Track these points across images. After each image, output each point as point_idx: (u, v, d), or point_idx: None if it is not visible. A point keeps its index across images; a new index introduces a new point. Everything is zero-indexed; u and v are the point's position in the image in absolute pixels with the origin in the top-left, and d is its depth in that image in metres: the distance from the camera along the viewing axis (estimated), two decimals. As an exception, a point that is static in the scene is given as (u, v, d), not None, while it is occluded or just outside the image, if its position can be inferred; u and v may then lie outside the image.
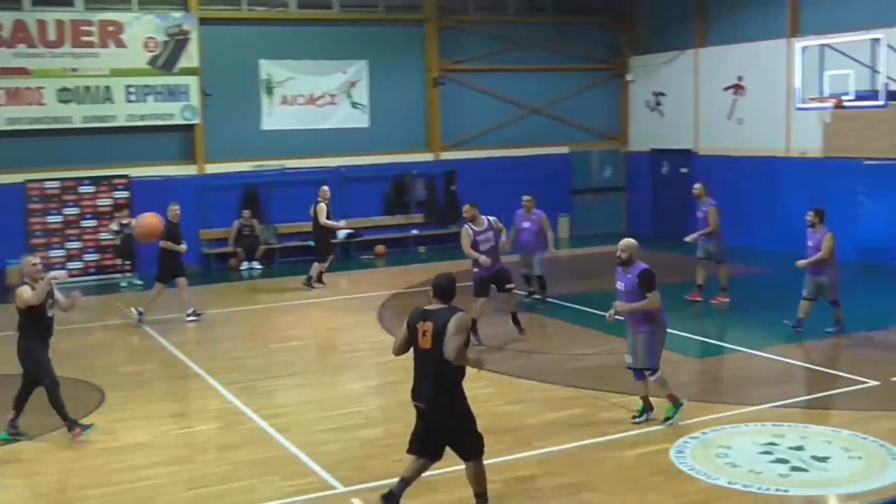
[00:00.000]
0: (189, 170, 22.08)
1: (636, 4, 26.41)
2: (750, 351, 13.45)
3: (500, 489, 8.65)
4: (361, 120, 23.85)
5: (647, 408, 10.38)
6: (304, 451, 9.79)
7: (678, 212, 24.14)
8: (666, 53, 25.17)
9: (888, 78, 16.71)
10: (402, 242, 23.91)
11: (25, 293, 10.09)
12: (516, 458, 9.47)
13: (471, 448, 7.95)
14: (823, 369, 12.69)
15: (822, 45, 17.42)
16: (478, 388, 12.10)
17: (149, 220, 15.92)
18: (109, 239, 20.79)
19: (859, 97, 16.81)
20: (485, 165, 24.66)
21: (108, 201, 21.08)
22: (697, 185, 17.11)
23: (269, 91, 22.90)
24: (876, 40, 16.74)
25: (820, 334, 14.16)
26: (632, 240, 10.16)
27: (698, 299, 16.58)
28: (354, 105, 23.74)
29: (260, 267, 21.92)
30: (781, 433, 9.91)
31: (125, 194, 21.15)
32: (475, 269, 14.01)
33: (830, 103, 17.30)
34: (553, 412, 10.92)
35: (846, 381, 11.96)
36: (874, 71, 16.70)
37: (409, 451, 8.10)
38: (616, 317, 10.20)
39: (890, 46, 17.01)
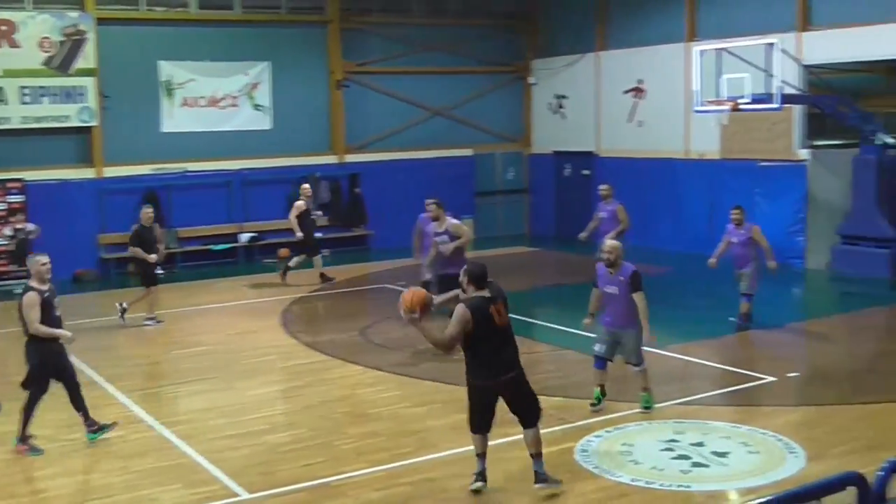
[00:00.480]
0: (87, 173, 21.59)
1: (538, 8, 26.67)
2: (651, 350, 13.63)
3: (408, 491, 8.66)
4: (264, 122, 23.63)
5: (603, 395, 10.86)
6: (207, 459, 9.64)
7: (581, 213, 24.33)
8: (568, 56, 25.46)
9: (782, 81, 17.17)
10: (307, 245, 23.71)
11: (31, 314, 9.77)
12: (423, 459, 9.49)
13: (536, 411, 8.55)
14: (723, 366, 12.97)
15: (720, 50, 17.81)
16: (383, 390, 12.15)
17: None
18: (3, 244, 20.21)
19: (755, 100, 17.23)
20: (389, 168, 24.64)
21: (2, 206, 20.43)
22: (605, 186, 17.22)
23: (170, 93, 22.51)
24: (770, 45, 17.19)
25: (719, 332, 14.50)
26: (616, 241, 10.99)
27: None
28: (257, 107, 23.50)
29: (161, 271, 21.49)
30: (683, 430, 10.11)
31: (20, 198, 20.51)
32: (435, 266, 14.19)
33: (727, 106, 17.70)
34: (458, 413, 10.83)
35: (745, 377, 12.27)
36: (769, 74, 17.14)
37: (476, 431, 8.59)
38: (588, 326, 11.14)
39: (784, 51, 17.50)
